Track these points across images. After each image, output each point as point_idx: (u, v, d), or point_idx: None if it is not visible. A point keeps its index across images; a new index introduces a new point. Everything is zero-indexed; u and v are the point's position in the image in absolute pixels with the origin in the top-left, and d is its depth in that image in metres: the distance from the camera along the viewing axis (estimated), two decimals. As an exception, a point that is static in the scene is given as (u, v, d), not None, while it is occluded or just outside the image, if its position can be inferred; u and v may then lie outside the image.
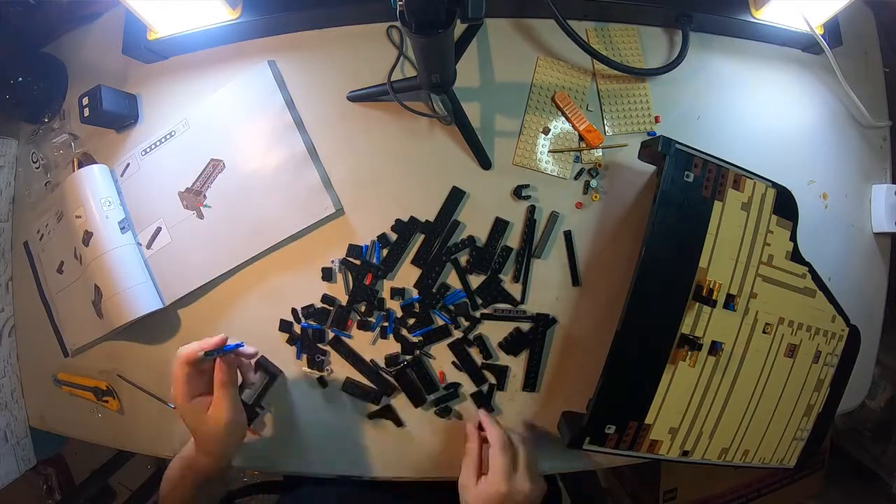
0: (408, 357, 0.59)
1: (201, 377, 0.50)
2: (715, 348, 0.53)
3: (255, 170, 0.61)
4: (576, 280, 0.59)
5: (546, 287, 0.59)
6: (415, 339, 0.59)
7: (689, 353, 0.52)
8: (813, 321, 0.56)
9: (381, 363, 0.60)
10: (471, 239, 0.59)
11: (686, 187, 0.52)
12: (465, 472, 0.51)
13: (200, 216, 0.62)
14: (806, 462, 0.58)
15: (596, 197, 0.60)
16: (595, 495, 0.79)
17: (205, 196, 0.62)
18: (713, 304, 0.52)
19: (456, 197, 0.59)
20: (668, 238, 0.51)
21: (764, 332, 0.54)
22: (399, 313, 0.60)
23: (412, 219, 0.60)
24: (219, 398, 0.49)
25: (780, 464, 0.57)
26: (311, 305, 0.61)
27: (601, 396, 0.51)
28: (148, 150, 0.65)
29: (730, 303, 0.53)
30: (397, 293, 0.59)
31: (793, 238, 0.55)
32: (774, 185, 0.55)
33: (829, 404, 0.57)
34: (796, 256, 0.55)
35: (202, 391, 0.50)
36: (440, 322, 0.59)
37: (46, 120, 0.72)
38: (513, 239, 0.60)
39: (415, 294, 0.59)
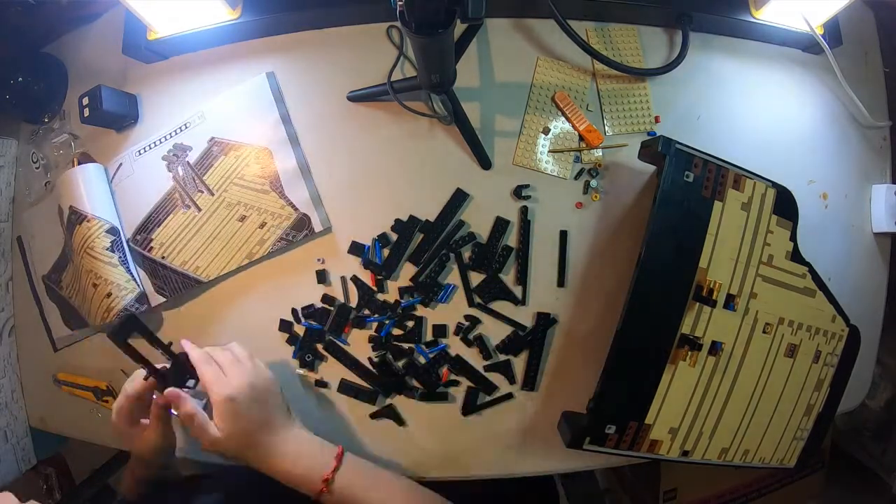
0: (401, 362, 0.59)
1: (142, 407, 0.53)
2: (715, 348, 0.53)
3: (246, 182, 0.61)
4: (561, 281, 0.59)
5: (547, 287, 0.59)
6: (406, 347, 0.60)
7: (690, 353, 0.52)
8: (813, 321, 0.56)
9: (376, 360, 0.60)
10: (471, 235, 0.59)
11: (686, 187, 0.52)
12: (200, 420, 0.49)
13: (191, 221, 0.62)
14: (806, 462, 0.58)
15: (596, 197, 0.60)
16: (595, 495, 0.79)
17: (196, 203, 0.62)
18: (713, 304, 0.52)
19: (459, 199, 0.59)
20: (669, 238, 0.51)
21: (764, 332, 0.54)
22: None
23: (412, 217, 0.60)
24: (153, 426, 0.51)
25: (781, 464, 0.57)
26: (311, 305, 0.61)
27: (601, 396, 0.51)
28: (143, 151, 0.65)
29: (730, 303, 0.53)
30: (403, 291, 0.59)
31: (793, 238, 0.55)
32: (774, 184, 0.55)
33: (829, 404, 0.57)
34: (796, 256, 0.55)
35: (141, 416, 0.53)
36: (422, 360, 0.60)
37: (46, 120, 0.72)
38: (514, 239, 0.60)
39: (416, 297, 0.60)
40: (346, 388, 0.60)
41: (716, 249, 0.52)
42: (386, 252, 0.60)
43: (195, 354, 0.51)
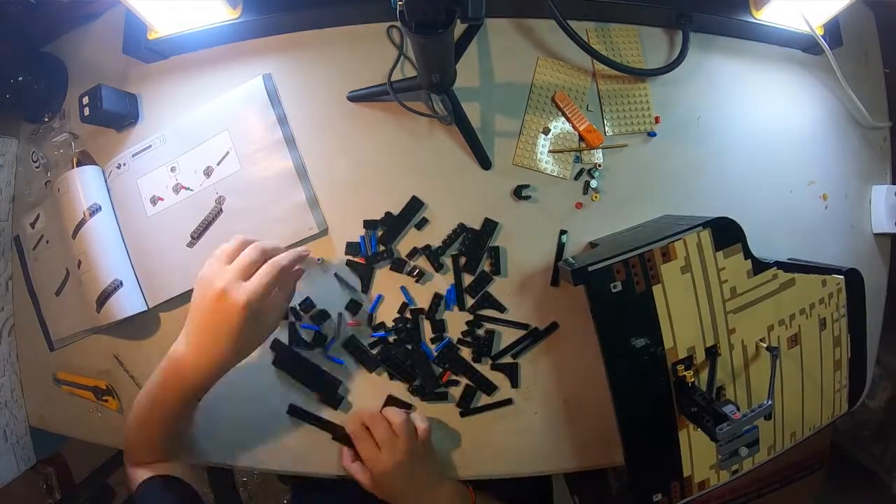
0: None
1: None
2: (718, 395, 0.52)
3: (242, 184, 0.61)
4: (555, 281, 0.59)
5: (541, 286, 0.59)
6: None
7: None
8: (803, 301, 0.53)
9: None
10: (467, 235, 0.59)
11: (618, 297, 0.48)
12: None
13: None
14: (857, 398, 0.57)
15: (596, 197, 0.60)
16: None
17: (195, 203, 0.62)
18: (696, 368, 0.51)
19: (414, 206, 0.59)
20: (625, 349, 0.50)
21: (758, 349, 0.53)
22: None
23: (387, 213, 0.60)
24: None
25: (832, 417, 0.56)
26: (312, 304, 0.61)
27: (633, 475, 0.52)
28: (142, 150, 0.64)
29: (711, 354, 0.51)
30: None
31: (747, 255, 0.51)
32: (704, 224, 0.50)
33: (856, 347, 0.56)
34: (759, 267, 0.52)
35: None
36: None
37: (47, 119, 0.72)
38: (503, 239, 0.60)
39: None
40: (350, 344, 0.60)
41: (675, 325, 0.50)
42: (381, 249, 0.60)
43: (351, 429, 0.56)
